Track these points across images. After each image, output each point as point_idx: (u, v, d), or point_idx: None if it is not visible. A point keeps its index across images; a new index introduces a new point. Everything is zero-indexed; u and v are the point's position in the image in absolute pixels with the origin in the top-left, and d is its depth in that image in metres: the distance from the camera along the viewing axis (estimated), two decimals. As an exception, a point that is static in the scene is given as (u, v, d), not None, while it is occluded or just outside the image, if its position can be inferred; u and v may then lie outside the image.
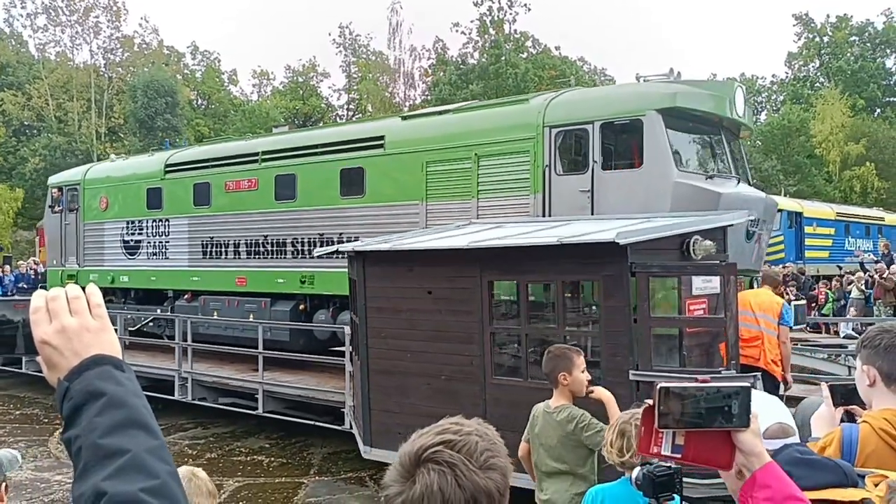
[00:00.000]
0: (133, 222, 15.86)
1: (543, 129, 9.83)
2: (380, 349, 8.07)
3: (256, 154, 13.55)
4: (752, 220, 9.55)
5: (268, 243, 13.23)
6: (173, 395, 12.93)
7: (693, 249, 6.93)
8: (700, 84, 9.88)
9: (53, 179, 18.71)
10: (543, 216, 9.69)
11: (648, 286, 6.38)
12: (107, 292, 16.57)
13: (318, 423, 10.85)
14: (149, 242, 15.54)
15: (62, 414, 1.15)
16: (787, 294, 16.51)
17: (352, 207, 11.92)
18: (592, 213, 9.29)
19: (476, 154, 10.44)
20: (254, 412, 11.84)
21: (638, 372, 6.27)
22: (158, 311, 15.37)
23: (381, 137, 11.63)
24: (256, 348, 11.91)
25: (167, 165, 15.27)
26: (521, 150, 10.03)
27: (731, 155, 9.98)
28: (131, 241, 15.91)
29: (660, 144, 8.97)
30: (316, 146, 12.60)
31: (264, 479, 10.47)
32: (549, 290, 7.83)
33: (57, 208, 17.85)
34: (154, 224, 15.41)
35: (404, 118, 12.25)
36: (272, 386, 11.56)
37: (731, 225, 7.61)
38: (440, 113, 11.84)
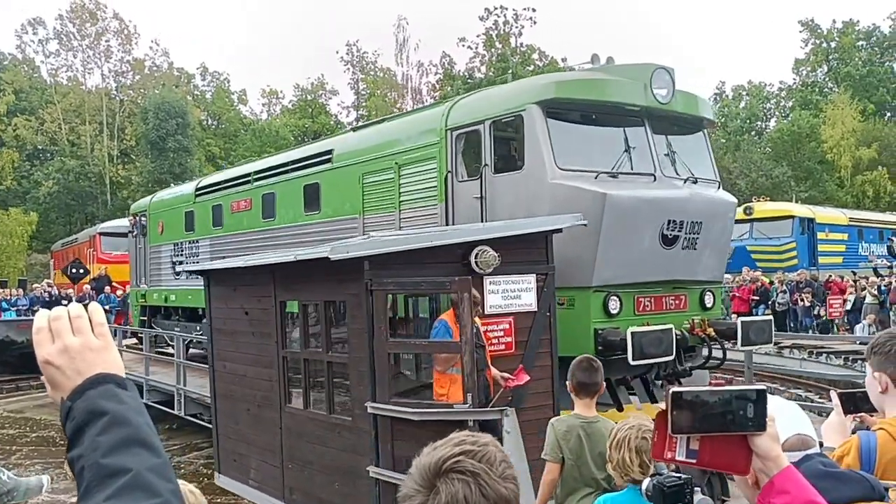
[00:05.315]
0: (178, 244, 16.73)
1: (446, 132, 9.06)
2: (220, 372, 7.82)
3: (250, 175, 13.78)
4: (671, 222, 8.19)
5: (257, 262, 13.35)
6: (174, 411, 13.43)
7: (476, 262, 6.02)
8: (616, 69, 8.62)
9: (132, 207, 20.28)
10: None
11: (385, 305, 5.60)
12: (166, 310, 17.67)
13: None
14: (187, 263, 16.29)
15: (66, 434, 1.15)
16: (803, 301, 14.22)
17: (311, 223, 11.70)
18: (483, 221, 8.41)
19: (397, 163, 9.87)
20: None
21: (375, 404, 5.51)
22: (197, 327, 16.04)
23: (330, 152, 11.35)
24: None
25: (196, 189, 15.98)
26: (430, 156, 9.31)
27: (660, 149, 8.59)
28: (176, 261, 16.79)
29: (538, 142, 7.93)
30: (287, 164, 12.57)
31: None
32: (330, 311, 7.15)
33: (133, 233, 19.33)
34: (189, 245, 16.15)
35: (355, 130, 11.87)
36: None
37: (559, 230, 6.52)
38: (380, 122, 11.35)
